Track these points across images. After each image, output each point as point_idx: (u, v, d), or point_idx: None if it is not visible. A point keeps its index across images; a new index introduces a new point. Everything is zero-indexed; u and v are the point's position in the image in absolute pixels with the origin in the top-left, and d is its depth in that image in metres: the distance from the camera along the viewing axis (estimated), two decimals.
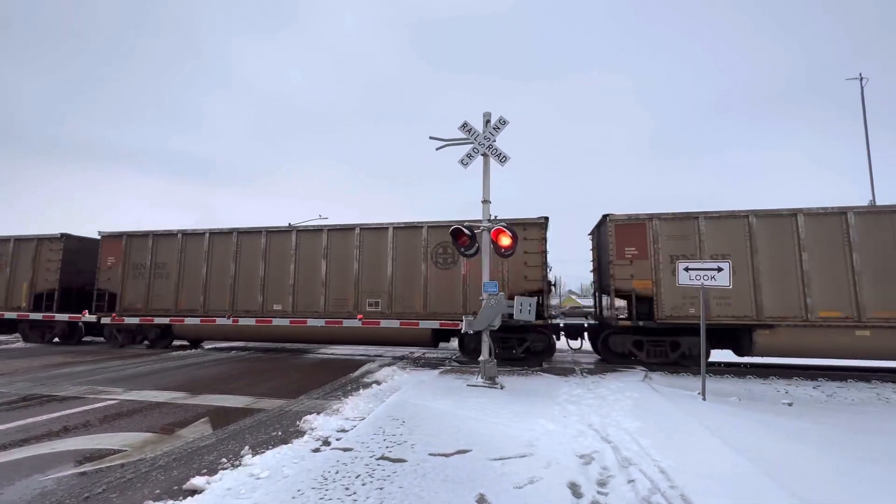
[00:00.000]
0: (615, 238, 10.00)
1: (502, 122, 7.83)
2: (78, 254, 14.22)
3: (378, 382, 7.94)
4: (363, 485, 3.43)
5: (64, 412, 5.90)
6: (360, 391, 7.11)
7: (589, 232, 12.41)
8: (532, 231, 10.40)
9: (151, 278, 12.79)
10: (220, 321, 11.89)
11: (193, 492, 3.48)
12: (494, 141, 7.81)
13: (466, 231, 7.70)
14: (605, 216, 10.36)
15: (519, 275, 10.36)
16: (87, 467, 4.02)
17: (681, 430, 4.90)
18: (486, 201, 7.81)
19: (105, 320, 12.94)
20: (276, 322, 11.51)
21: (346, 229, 11.60)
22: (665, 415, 5.59)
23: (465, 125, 7.89)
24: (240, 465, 4.01)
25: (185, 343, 13.92)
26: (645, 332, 10.01)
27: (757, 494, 3.24)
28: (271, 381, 8.27)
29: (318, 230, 12.05)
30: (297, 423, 5.42)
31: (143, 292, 12.77)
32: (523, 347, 10.39)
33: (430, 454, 4.09)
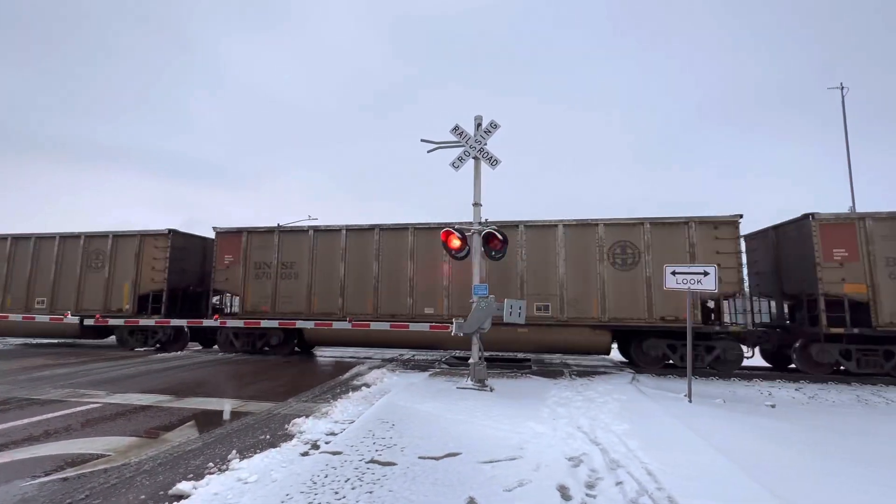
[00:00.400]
0: (821, 239, 9.35)
1: (493, 125, 7.88)
2: (184, 251, 13.29)
3: (368, 385, 7.91)
4: (352, 489, 3.42)
5: (45, 416, 5.77)
6: (350, 394, 7.08)
7: (745, 234, 11.62)
8: (725, 230, 9.73)
9: (277, 278, 11.80)
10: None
11: (180, 497, 3.43)
12: (485, 144, 7.85)
13: (457, 234, 7.72)
14: (806, 215, 9.68)
15: None
16: (69, 472, 3.93)
17: (668, 432, 4.97)
18: (476, 204, 7.84)
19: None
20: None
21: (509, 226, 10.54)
22: (652, 417, 5.67)
23: (456, 128, 7.92)
24: (227, 469, 3.96)
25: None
26: (857, 341, 9.36)
27: (741, 495, 3.30)
28: (259, 384, 8.19)
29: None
30: (286, 426, 5.37)
31: (269, 293, 11.77)
32: (713, 356, 9.79)
33: (419, 457, 4.08)
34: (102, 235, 13.22)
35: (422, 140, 8.12)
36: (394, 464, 3.91)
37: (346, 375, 9.17)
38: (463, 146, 7.86)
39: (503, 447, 4.41)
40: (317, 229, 12.01)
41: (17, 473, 3.89)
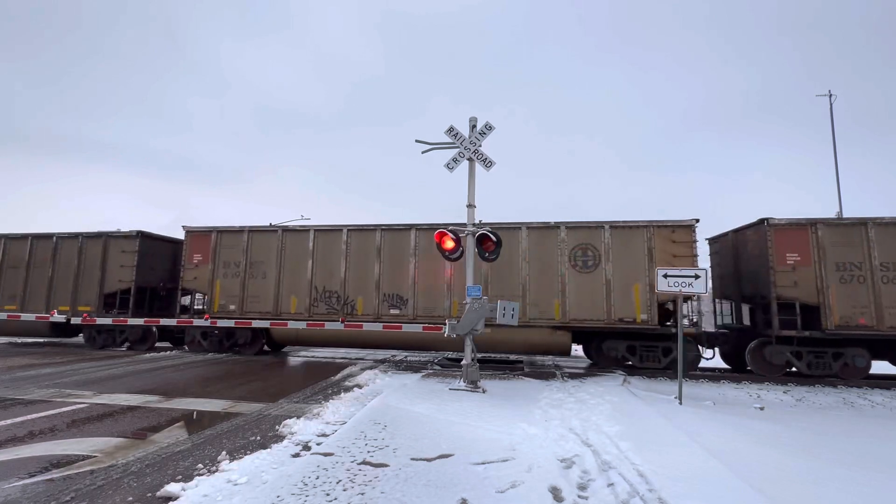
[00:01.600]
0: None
1: (488, 127, 7.90)
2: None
3: (360, 386, 7.86)
4: (344, 490, 3.39)
5: (29, 416, 5.66)
6: (342, 395, 7.03)
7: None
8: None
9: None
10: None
11: (168, 499, 3.38)
12: (480, 146, 7.87)
13: (451, 235, 7.71)
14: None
15: None
16: (54, 474, 3.86)
17: (659, 434, 5.00)
18: (470, 205, 7.85)
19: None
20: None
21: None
22: (644, 419, 5.70)
23: (451, 129, 7.93)
24: (217, 470, 3.91)
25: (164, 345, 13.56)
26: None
27: (731, 497, 3.33)
28: (250, 385, 8.11)
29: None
30: (277, 427, 5.32)
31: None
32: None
33: (412, 459, 4.07)
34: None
35: (416, 141, 8.12)
36: (386, 465, 3.89)
37: (338, 376, 9.11)
38: (458, 147, 7.87)
39: (496, 448, 4.40)
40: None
41: (0, 475, 3.80)
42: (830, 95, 18.68)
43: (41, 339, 14.58)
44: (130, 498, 3.43)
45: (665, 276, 7.25)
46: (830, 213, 15.85)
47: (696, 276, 7.02)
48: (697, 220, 10.06)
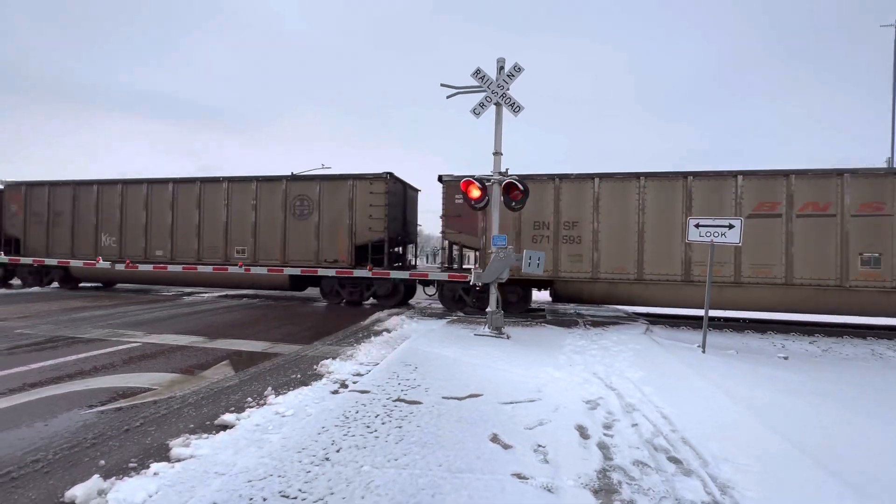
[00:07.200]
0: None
1: (517, 69, 7.51)
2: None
3: (388, 330, 8.21)
4: (383, 423, 3.67)
5: (91, 353, 6.19)
6: (372, 338, 7.39)
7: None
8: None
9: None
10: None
11: (225, 427, 3.73)
12: (508, 89, 7.53)
13: (477, 184, 7.62)
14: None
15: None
16: (122, 403, 4.28)
17: (682, 380, 5.13)
18: (497, 153, 7.66)
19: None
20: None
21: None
22: (666, 365, 5.83)
23: (478, 72, 7.57)
24: (265, 404, 4.26)
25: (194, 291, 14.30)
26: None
27: (751, 439, 3.46)
28: (284, 328, 8.57)
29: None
30: (315, 366, 5.68)
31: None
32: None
33: (443, 397, 4.32)
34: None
35: (441, 85, 7.82)
36: (419, 402, 4.15)
37: (367, 321, 9.51)
38: (484, 91, 7.55)
39: (522, 390, 4.62)
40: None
41: (76, 403, 4.25)
42: None
43: (98, 285, 15.57)
44: (192, 425, 3.81)
45: (697, 225, 7.07)
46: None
47: (730, 226, 6.82)
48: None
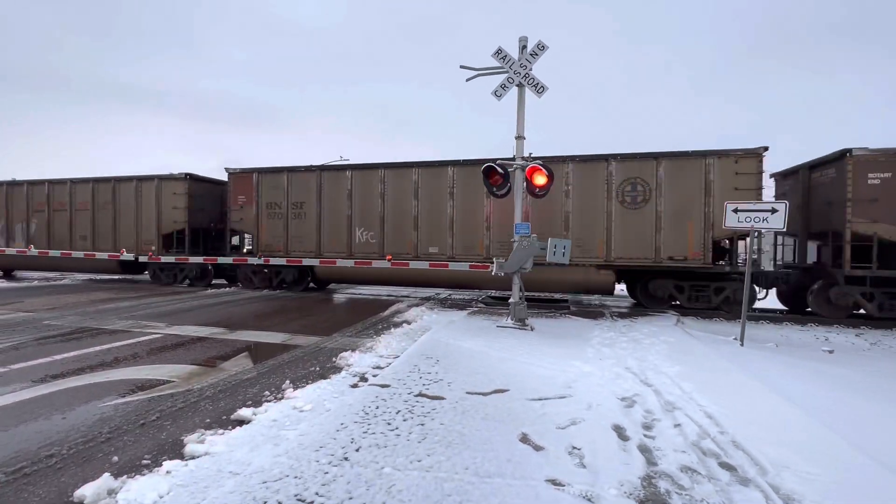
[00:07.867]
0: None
1: (541, 47, 7.11)
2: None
3: (408, 322, 8.03)
4: (404, 420, 3.46)
5: (114, 344, 6.20)
6: (392, 330, 7.22)
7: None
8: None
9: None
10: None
11: (241, 422, 3.60)
12: (531, 70, 7.15)
13: (499, 169, 7.30)
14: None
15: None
16: (140, 396, 4.21)
17: (722, 376, 4.77)
18: (520, 137, 7.31)
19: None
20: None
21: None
22: (704, 359, 5.47)
23: (499, 52, 7.21)
24: (283, 398, 4.12)
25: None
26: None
27: (812, 443, 3.12)
28: (304, 319, 8.49)
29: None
30: (333, 359, 5.54)
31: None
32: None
33: (467, 392, 4.10)
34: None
35: (461, 67, 7.48)
36: (442, 398, 3.94)
37: (387, 312, 9.36)
38: (506, 72, 7.19)
39: (551, 385, 4.36)
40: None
41: (96, 395, 4.20)
42: None
43: (115, 276, 15.88)
44: (208, 420, 3.69)
45: (735, 210, 6.61)
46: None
47: (773, 211, 6.34)
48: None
